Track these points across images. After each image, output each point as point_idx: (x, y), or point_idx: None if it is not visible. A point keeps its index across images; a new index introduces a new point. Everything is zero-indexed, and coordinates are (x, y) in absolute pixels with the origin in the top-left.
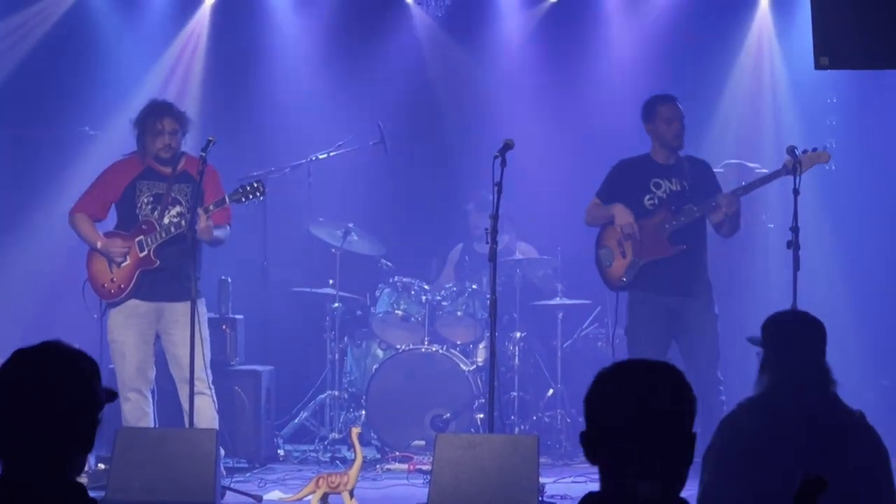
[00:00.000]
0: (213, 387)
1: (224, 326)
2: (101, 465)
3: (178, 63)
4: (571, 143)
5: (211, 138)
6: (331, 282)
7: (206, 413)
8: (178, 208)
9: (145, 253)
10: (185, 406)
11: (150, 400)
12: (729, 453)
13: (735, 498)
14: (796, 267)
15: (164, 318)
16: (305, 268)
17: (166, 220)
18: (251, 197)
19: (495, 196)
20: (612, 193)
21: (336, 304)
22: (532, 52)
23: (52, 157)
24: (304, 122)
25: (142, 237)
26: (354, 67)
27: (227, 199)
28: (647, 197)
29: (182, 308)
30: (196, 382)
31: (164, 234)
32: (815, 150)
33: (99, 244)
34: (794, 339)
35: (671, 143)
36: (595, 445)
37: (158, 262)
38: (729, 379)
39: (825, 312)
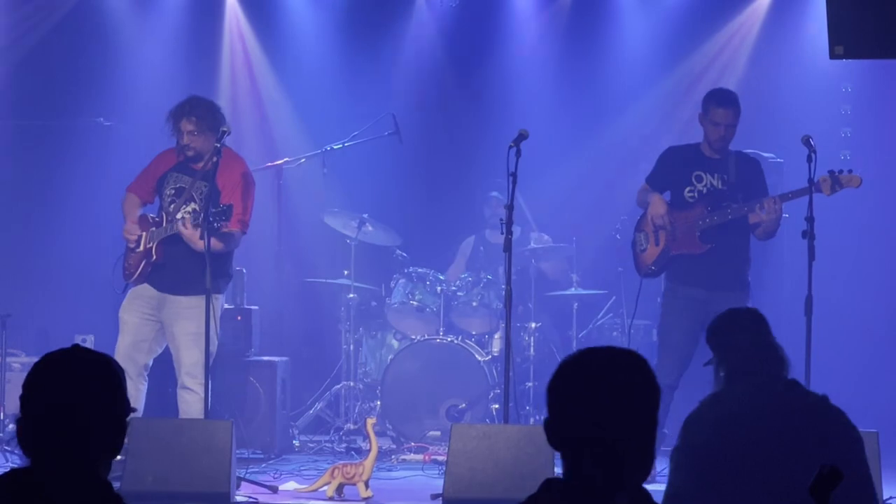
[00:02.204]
0: (207, 383)
1: (239, 317)
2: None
3: (193, 53)
4: (586, 132)
5: (225, 128)
6: (346, 272)
7: (190, 411)
8: (192, 205)
9: (150, 245)
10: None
11: (137, 385)
12: (691, 452)
13: (698, 497)
14: (811, 257)
15: (165, 309)
16: (320, 258)
17: (180, 215)
18: (219, 220)
19: (510, 186)
20: (659, 180)
21: (351, 295)
22: (547, 42)
23: (66, 148)
24: (319, 113)
25: (154, 229)
26: (369, 58)
27: (210, 216)
28: (688, 189)
29: (187, 302)
30: (186, 378)
31: (166, 231)
32: (848, 171)
33: (125, 225)
34: (733, 334)
35: (713, 144)
36: (558, 432)
37: (157, 258)
38: None
39: (840, 303)
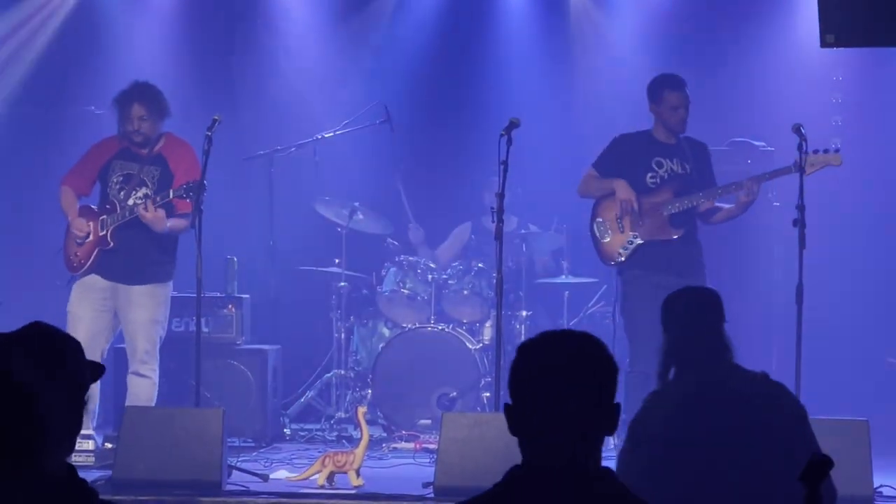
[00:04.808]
0: (158, 370)
1: (230, 306)
2: (108, 444)
3: (184, 42)
4: (577, 120)
5: (216, 117)
6: (337, 261)
7: (142, 395)
8: (144, 190)
9: (104, 233)
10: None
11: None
12: (643, 456)
13: (658, 493)
14: (802, 245)
15: (119, 297)
16: (311, 247)
17: (131, 202)
18: (188, 195)
19: (501, 174)
20: (612, 167)
21: (342, 283)
22: (539, 29)
23: (57, 136)
24: (310, 101)
25: (104, 217)
26: (360, 45)
27: (171, 194)
28: (650, 175)
29: (139, 290)
30: (138, 365)
31: (121, 217)
32: (826, 151)
33: (69, 219)
34: (683, 315)
35: (674, 128)
36: (518, 416)
37: (113, 244)
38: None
39: (831, 291)
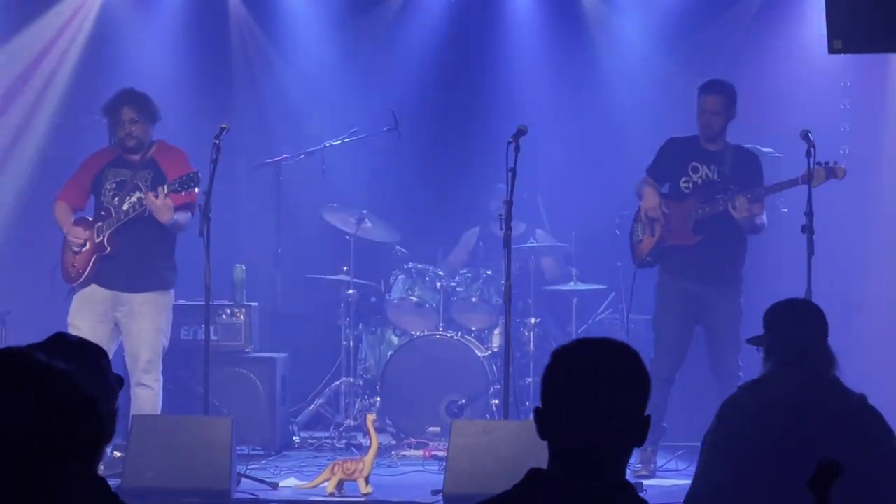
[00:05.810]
0: (161, 379)
1: (238, 314)
2: (117, 453)
3: (191, 50)
4: (585, 127)
5: (224, 126)
6: (345, 268)
7: (145, 408)
8: (138, 194)
9: (100, 239)
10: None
11: None
12: (726, 437)
13: (727, 482)
14: (810, 252)
15: (120, 308)
16: (320, 254)
17: (125, 206)
18: (187, 187)
19: (509, 182)
20: (659, 170)
21: (350, 291)
22: (546, 35)
23: (64, 144)
24: (318, 109)
25: (100, 223)
26: (368, 53)
27: (165, 189)
28: (684, 179)
29: (140, 299)
30: (141, 375)
31: (117, 220)
32: (828, 163)
33: (64, 230)
34: (793, 323)
35: (702, 132)
36: (548, 421)
37: (109, 249)
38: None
39: (838, 298)
